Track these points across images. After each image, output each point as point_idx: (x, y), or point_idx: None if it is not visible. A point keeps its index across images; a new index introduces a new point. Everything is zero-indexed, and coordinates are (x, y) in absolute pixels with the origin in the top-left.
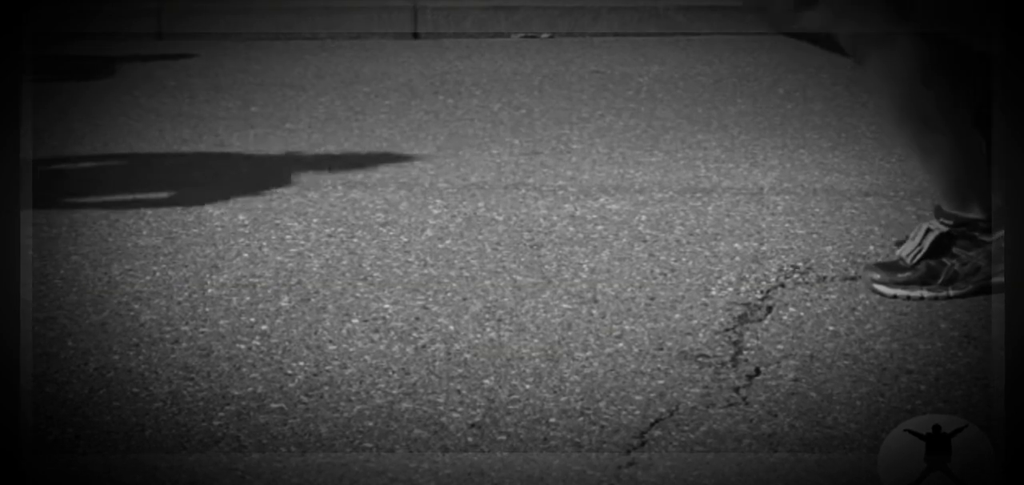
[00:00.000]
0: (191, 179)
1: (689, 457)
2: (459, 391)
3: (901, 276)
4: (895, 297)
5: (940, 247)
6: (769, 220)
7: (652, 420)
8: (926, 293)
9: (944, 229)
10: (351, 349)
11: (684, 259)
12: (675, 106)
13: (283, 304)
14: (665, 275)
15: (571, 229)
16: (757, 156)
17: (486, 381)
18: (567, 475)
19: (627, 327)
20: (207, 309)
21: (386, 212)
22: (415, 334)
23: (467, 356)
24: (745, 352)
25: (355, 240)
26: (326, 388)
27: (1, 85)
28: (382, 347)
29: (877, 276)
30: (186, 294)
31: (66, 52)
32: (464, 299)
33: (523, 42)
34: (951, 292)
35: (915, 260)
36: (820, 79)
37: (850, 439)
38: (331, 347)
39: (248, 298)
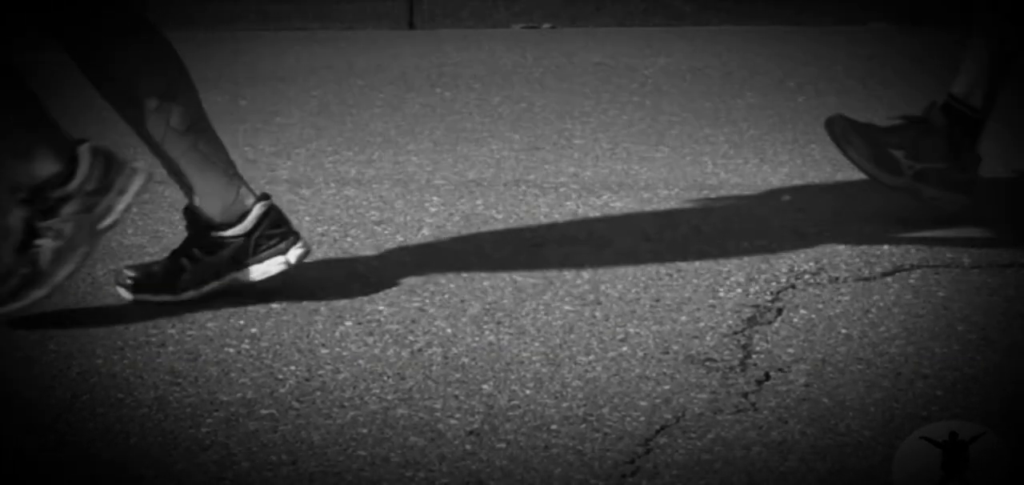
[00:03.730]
0: None
1: (696, 465)
2: (457, 396)
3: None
4: None
5: None
6: (779, 218)
7: (658, 427)
8: None
9: None
10: (344, 353)
11: (690, 259)
12: (681, 100)
13: (274, 306)
14: (671, 276)
15: (573, 228)
16: (767, 152)
17: (485, 386)
18: (569, 484)
19: (631, 330)
20: (194, 311)
21: (381, 210)
22: (411, 337)
23: (465, 360)
24: (754, 356)
25: (349, 239)
26: (318, 393)
27: None
28: (376, 351)
29: None
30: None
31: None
32: (462, 301)
33: (523, 33)
34: None
35: None
36: (833, 72)
37: (863, 447)
38: (324, 351)
39: (237, 299)
